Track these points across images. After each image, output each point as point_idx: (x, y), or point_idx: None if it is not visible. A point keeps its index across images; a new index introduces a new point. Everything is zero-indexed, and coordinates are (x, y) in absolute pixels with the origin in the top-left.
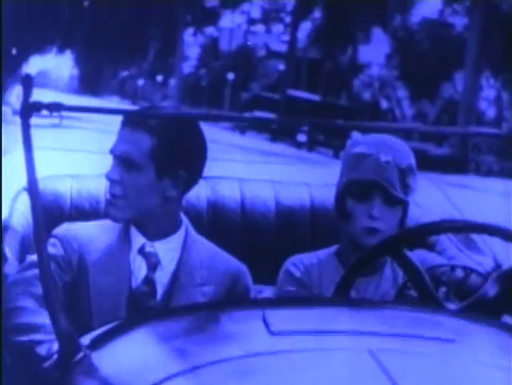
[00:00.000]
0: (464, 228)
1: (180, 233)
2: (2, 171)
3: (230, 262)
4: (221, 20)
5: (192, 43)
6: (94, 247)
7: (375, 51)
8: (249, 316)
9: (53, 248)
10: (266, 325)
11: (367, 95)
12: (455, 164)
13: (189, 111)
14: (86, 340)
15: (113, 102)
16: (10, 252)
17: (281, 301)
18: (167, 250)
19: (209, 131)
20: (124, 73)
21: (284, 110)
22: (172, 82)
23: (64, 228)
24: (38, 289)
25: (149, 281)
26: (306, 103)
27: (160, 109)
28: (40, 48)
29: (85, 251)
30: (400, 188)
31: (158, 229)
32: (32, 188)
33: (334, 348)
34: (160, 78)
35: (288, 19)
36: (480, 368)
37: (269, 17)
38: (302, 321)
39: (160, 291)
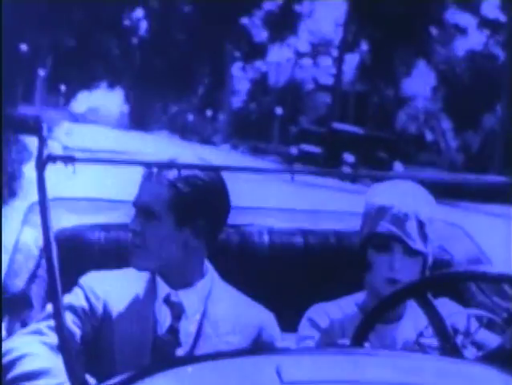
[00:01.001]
0: (486, 279)
1: (206, 282)
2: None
3: (256, 311)
4: (269, 54)
5: (241, 78)
6: (119, 295)
7: (419, 84)
8: (264, 364)
9: (75, 297)
10: (279, 374)
11: (412, 128)
12: (498, 194)
13: (208, 164)
14: None
15: (162, 137)
16: (36, 300)
17: (296, 350)
18: (192, 299)
19: (255, 162)
20: (174, 108)
21: (329, 143)
22: (222, 116)
23: (90, 277)
24: (51, 339)
25: (174, 331)
26: (351, 135)
27: (177, 162)
28: (89, 85)
29: (110, 299)
30: (419, 239)
31: (182, 278)
32: (47, 240)
33: None
34: (209, 112)
35: (336, 53)
36: None
37: (316, 50)
38: (315, 370)
39: (184, 341)
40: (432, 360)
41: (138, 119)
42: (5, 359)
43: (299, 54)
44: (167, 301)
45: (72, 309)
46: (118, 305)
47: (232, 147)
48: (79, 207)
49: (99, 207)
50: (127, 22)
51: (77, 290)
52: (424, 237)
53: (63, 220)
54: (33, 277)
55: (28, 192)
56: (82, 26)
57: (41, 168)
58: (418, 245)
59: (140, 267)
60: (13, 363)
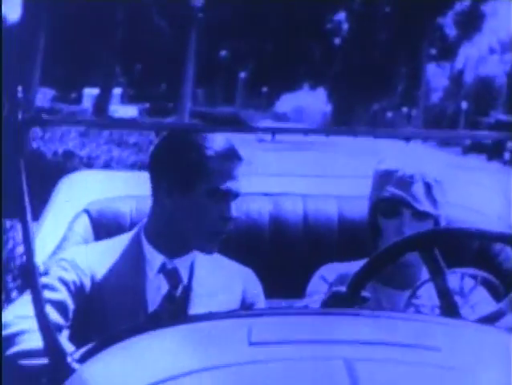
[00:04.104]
0: (496, 239)
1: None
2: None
3: (238, 268)
4: (461, 52)
5: (436, 75)
6: (107, 268)
7: None
8: (236, 326)
9: (64, 272)
10: (249, 335)
11: None
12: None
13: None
14: (77, 355)
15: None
16: None
17: (270, 311)
18: (185, 267)
19: (440, 152)
20: (375, 107)
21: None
22: (415, 112)
23: (73, 252)
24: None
25: (172, 299)
26: (505, 123)
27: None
28: (291, 86)
29: (97, 273)
30: (427, 201)
31: (179, 246)
32: (21, 204)
33: (309, 357)
34: (404, 109)
35: None
36: (463, 377)
37: (504, 47)
38: (285, 330)
39: (179, 307)
40: (414, 320)
41: (341, 118)
42: (4, 333)
43: (489, 51)
44: (162, 270)
45: (64, 282)
46: (106, 279)
47: (422, 141)
48: (110, 179)
49: (131, 178)
50: (329, 25)
51: (64, 264)
52: (432, 199)
53: (95, 191)
54: (58, 248)
55: None
56: (282, 31)
57: (17, 130)
58: (426, 207)
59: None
60: (11, 338)
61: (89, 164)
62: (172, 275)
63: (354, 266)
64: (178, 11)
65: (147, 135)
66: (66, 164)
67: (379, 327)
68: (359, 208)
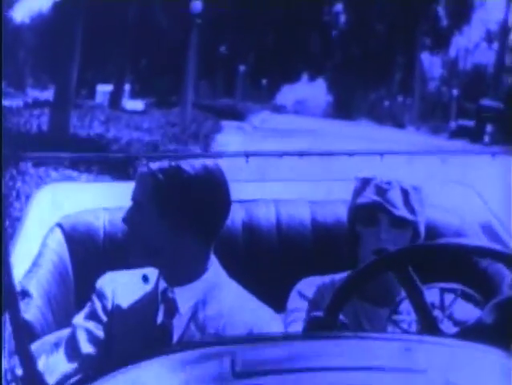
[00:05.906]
0: (472, 252)
1: (206, 278)
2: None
3: (253, 311)
4: (454, 41)
5: (430, 64)
6: (125, 292)
7: None
8: (218, 355)
9: (93, 303)
10: (233, 365)
11: None
12: None
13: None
14: None
15: (360, 123)
16: (36, 290)
17: (254, 339)
18: (187, 297)
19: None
20: (372, 96)
21: (477, 116)
22: (409, 101)
23: (102, 278)
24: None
25: (164, 327)
26: (493, 109)
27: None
28: (290, 78)
29: (116, 297)
30: (403, 207)
31: (180, 274)
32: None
33: None
34: (400, 98)
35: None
36: None
37: (493, 36)
38: (268, 359)
39: (175, 337)
40: (396, 340)
41: (342, 109)
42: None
43: (482, 39)
44: (163, 296)
45: (93, 315)
46: (121, 302)
47: (416, 129)
48: (82, 191)
49: (103, 190)
50: (326, 17)
51: (94, 297)
52: (409, 205)
53: (67, 205)
54: (36, 265)
55: None
56: (280, 24)
57: None
58: (403, 212)
59: (134, 264)
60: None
61: (116, 143)
62: (168, 303)
63: (334, 279)
64: (179, 14)
65: (157, 122)
66: (100, 143)
67: (362, 350)
68: (332, 213)
